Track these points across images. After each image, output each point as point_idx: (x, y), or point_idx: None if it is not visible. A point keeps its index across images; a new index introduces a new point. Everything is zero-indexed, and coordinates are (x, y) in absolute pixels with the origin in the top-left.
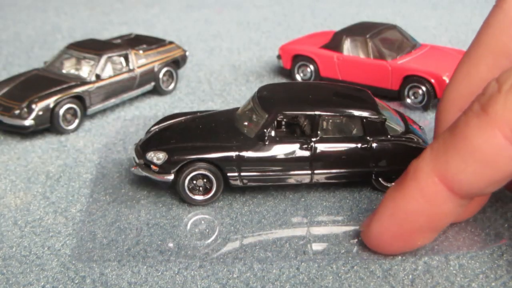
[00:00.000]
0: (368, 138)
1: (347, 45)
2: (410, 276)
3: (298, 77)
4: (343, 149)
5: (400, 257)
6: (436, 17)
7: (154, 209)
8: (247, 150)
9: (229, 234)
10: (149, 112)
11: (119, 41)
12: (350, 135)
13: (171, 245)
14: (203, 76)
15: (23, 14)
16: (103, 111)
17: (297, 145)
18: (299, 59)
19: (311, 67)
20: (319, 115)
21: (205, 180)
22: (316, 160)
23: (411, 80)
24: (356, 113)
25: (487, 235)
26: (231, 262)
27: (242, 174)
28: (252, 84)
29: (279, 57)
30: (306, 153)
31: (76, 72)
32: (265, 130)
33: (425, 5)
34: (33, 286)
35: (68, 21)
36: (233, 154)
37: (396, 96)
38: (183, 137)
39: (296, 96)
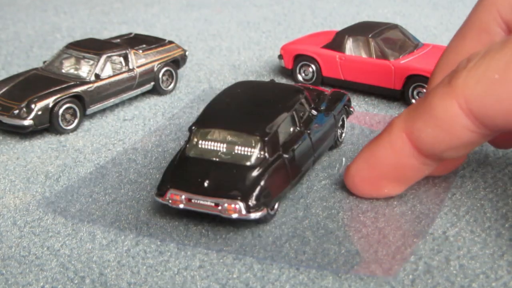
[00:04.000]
0: None
1: (349, 45)
2: (410, 276)
3: (300, 77)
4: None
5: (400, 256)
6: (437, 16)
7: (154, 209)
8: None
9: (229, 234)
10: (148, 112)
11: (118, 40)
12: None
13: (171, 245)
14: (203, 76)
15: (22, 13)
16: (103, 111)
17: None
18: (301, 59)
19: (313, 67)
20: None
21: None
22: None
23: (414, 79)
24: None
25: (488, 235)
26: (231, 262)
27: None
28: None
29: (280, 57)
30: None
31: (76, 72)
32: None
33: (426, 5)
34: (32, 286)
35: (68, 21)
36: None
37: (399, 95)
38: None
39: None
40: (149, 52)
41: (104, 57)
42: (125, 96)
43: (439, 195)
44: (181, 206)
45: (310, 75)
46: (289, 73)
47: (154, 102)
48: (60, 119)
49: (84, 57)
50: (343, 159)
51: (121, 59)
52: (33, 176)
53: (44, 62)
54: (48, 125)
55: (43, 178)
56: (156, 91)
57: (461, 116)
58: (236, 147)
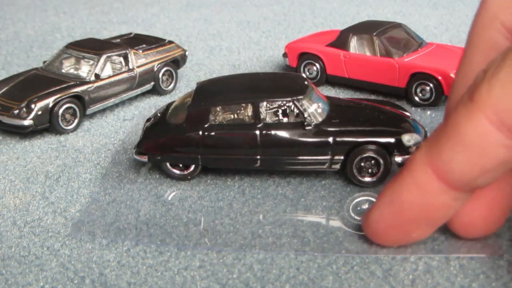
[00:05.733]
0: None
1: (354, 43)
2: (411, 276)
3: (304, 76)
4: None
5: (400, 256)
6: (437, 16)
7: (153, 209)
8: None
9: (229, 234)
10: (148, 112)
11: (118, 40)
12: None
13: (171, 245)
14: (203, 76)
15: (22, 13)
16: (103, 110)
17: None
18: (306, 57)
19: (317, 65)
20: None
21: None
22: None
23: (418, 77)
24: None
25: (488, 235)
26: (231, 262)
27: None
28: None
29: (285, 55)
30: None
31: (76, 72)
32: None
33: (426, 4)
34: (32, 286)
35: (68, 21)
36: None
37: (403, 93)
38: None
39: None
40: (149, 52)
41: (104, 57)
42: (125, 96)
43: None
44: None
45: (315, 73)
46: (293, 72)
47: (154, 102)
48: (60, 119)
49: (84, 57)
50: None
51: (121, 59)
52: (33, 176)
53: (44, 62)
54: (48, 125)
55: (43, 178)
56: (156, 91)
57: (492, 131)
58: None
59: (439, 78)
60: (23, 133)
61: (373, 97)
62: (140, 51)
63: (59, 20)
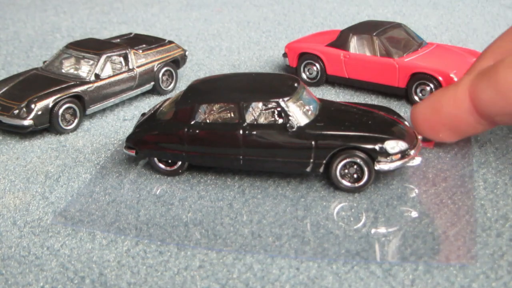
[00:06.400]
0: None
1: (354, 43)
2: (411, 276)
3: (304, 76)
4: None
5: (400, 256)
6: (437, 16)
7: (153, 209)
8: None
9: (229, 234)
10: None
11: (118, 40)
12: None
13: (171, 245)
14: (203, 76)
15: (22, 13)
16: (103, 110)
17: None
18: (306, 57)
19: (317, 65)
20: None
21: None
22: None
23: (418, 77)
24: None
25: (488, 235)
26: (231, 262)
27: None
28: None
29: (285, 55)
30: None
31: (76, 72)
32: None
33: (426, 4)
34: (32, 286)
35: (68, 21)
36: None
37: (403, 93)
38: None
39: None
40: (149, 52)
41: (104, 57)
42: (125, 96)
43: (439, 195)
44: None
45: (315, 73)
46: (294, 72)
47: (154, 102)
48: (60, 119)
49: (84, 57)
50: None
51: (121, 59)
52: (33, 176)
53: (44, 62)
54: (48, 125)
55: (43, 178)
56: (156, 91)
57: None
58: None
59: (439, 78)
60: (23, 133)
61: (373, 97)
62: (140, 51)
63: (59, 20)
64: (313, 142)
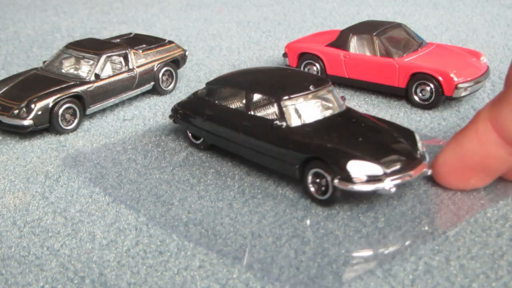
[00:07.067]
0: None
1: (354, 43)
2: (411, 276)
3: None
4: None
5: (400, 256)
6: (437, 16)
7: (153, 209)
8: None
9: (229, 234)
10: (148, 112)
11: (118, 40)
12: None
13: (171, 245)
14: (203, 76)
15: (22, 13)
16: (102, 110)
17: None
18: (306, 57)
19: (317, 65)
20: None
21: None
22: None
23: (418, 77)
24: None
25: (488, 235)
26: (231, 262)
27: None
28: None
29: (285, 55)
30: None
31: (75, 72)
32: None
33: (426, 4)
34: (32, 286)
35: (67, 21)
36: None
37: (403, 93)
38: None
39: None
40: (149, 52)
41: (104, 57)
42: (125, 96)
43: (439, 195)
44: None
45: (315, 73)
46: None
47: (154, 102)
48: (60, 119)
49: (84, 57)
50: None
51: (121, 59)
52: (33, 176)
53: (44, 62)
54: (48, 125)
55: (43, 178)
56: (156, 91)
57: None
58: None
59: (439, 78)
60: (23, 133)
61: (373, 97)
62: (140, 51)
63: (59, 20)
64: (290, 146)
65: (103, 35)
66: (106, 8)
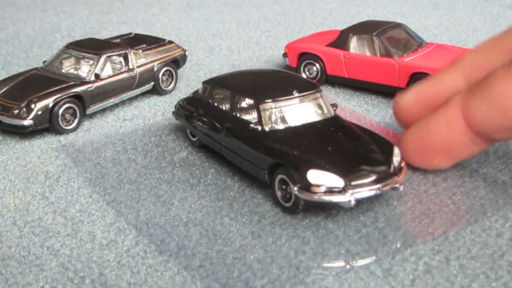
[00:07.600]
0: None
1: (354, 43)
2: (411, 276)
3: (304, 76)
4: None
5: (400, 256)
6: (437, 16)
7: (153, 209)
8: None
9: (229, 234)
10: (148, 111)
11: (118, 40)
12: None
13: (171, 245)
14: (203, 76)
15: (22, 13)
16: (103, 110)
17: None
18: (305, 57)
19: (317, 65)
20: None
21: None
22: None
23: (418, 77)
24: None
25: (488, 235)
26: (231, 262)
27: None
28: None
29: (285, 55)
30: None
31: (75, 72)
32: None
33: (426, 4)
34: (32, 286)
35: (67, 21)
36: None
37: None
38: None
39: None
40: (149, 52)
41: (104, 57)
42: (125, 96)
43: (439, 195)
44: None
45: (315, 73)
46: (293, 72)
47: (154, 102)
48: (60, 119)
49: (84, 57)
50: None
51: (121, 59)
52: (33, 176)
53: (44, 62)
54: (48, 125)
55: (43, 178)
56: (156, 91)
57: None
58: None
59: None
60: (23, 133)
61: (373, 97)
62: (140, 51)
63: (59, 20)
64: (261, 149)
65: (103, 35)
66: (106, 8)
